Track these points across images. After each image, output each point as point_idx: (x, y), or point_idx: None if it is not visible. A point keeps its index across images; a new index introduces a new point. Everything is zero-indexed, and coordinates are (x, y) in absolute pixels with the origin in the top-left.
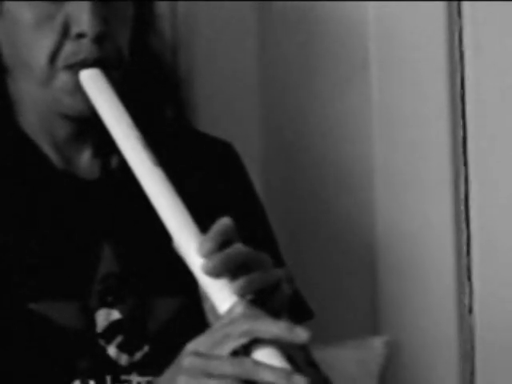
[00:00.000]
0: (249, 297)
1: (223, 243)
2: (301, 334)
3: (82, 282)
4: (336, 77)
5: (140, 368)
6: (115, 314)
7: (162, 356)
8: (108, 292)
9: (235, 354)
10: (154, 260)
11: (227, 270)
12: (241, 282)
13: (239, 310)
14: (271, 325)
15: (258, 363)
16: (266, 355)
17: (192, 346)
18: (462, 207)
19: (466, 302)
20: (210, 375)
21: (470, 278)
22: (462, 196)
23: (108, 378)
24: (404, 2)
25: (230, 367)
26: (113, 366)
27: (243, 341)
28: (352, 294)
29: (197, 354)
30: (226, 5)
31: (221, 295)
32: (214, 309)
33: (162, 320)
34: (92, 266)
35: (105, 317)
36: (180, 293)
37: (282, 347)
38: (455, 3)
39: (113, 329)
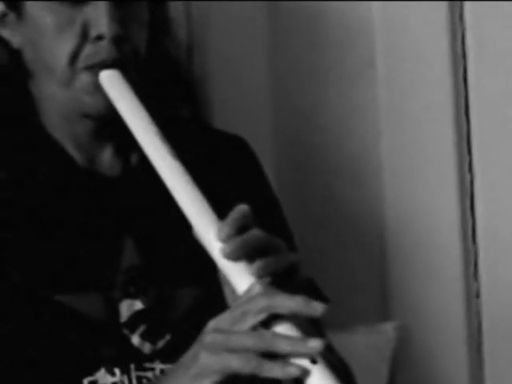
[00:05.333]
0: (267, 279)
1: (241, 229)
2: (317, 308)
3: (105, 275)
4: (344, 75)
5: (163, 356)
6: (138, 305)
7: (184, 344)
8: (131, 283)
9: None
10: (173, 252)
11: (245, 253)
12: (258, 264)
13: (257, 288)
14: (288, 300)
15: (276, 335)
16: (284, 330)
17: (213, 323)
18: (468, 196)
19: (473, 286)
20: (230, 350)
21: (476, 264)
22: (467, 185)
23: (132, 366)
24: (408, 3)
25: (249, 340)
26: (137, 355)
27: (262, 317)
28: (363, 281)
29: (218, 330)
30: (238, 8)
31: (240, 277)
32: (233, 292)
33: (182, 309)
34: (115, 258)
35: (128, 307)
36: (199, 283)
37: (299, 325)
38: (458, 2)
39: (136, 319)
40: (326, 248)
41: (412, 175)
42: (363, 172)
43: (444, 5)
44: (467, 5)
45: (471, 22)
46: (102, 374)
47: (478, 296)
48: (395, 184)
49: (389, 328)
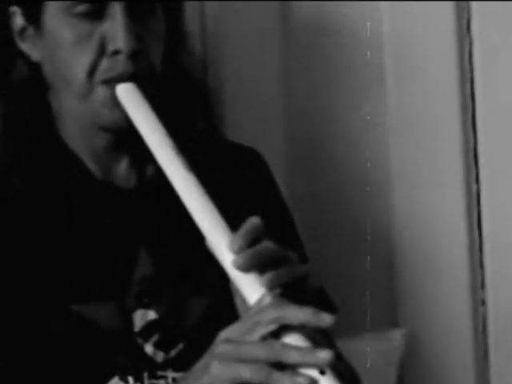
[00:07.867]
0: (277, 290)
1: (253, 240)
2: (326, 319)
3: (120, 285)
4: (355, 87)
5: (175, 364)
6: (151, 314)
7: (196, 352)
8: (144, 293)
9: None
10: (186, 263)
11: (256, 265)
12: (269, 275)
13: (268, 300)
14: (298, 311)
15: (286, 345)
16: (293, 341)
17: (224, 334)
18: (475, 206)
19: (480, 294)
20: (241, 360)
21: (482, 272)
22: (474, 194)
23: (145, 374)
24: (417, 19)
25: (259, 350)
26: (150, 363)
27: (272, 327)
28: (372, 289)
29: (228, 340)
30: (252, 23)
31: (251, 288)
32: (244, 302)
33: (194, 319)
34: (129, 269)
35: (141, 317)
36: (211, 293)
37: (309, 335)
38: (465, 14)
39: (149, 328)
40: (336, 256)
41: (420, 185)
42: (373, 182)
43: (452, 18)
44: (474, 14)
45: (478, 34)
46: (115, 382)
47: (484, 303)
48: (404, 194)
49: (397, 335)
